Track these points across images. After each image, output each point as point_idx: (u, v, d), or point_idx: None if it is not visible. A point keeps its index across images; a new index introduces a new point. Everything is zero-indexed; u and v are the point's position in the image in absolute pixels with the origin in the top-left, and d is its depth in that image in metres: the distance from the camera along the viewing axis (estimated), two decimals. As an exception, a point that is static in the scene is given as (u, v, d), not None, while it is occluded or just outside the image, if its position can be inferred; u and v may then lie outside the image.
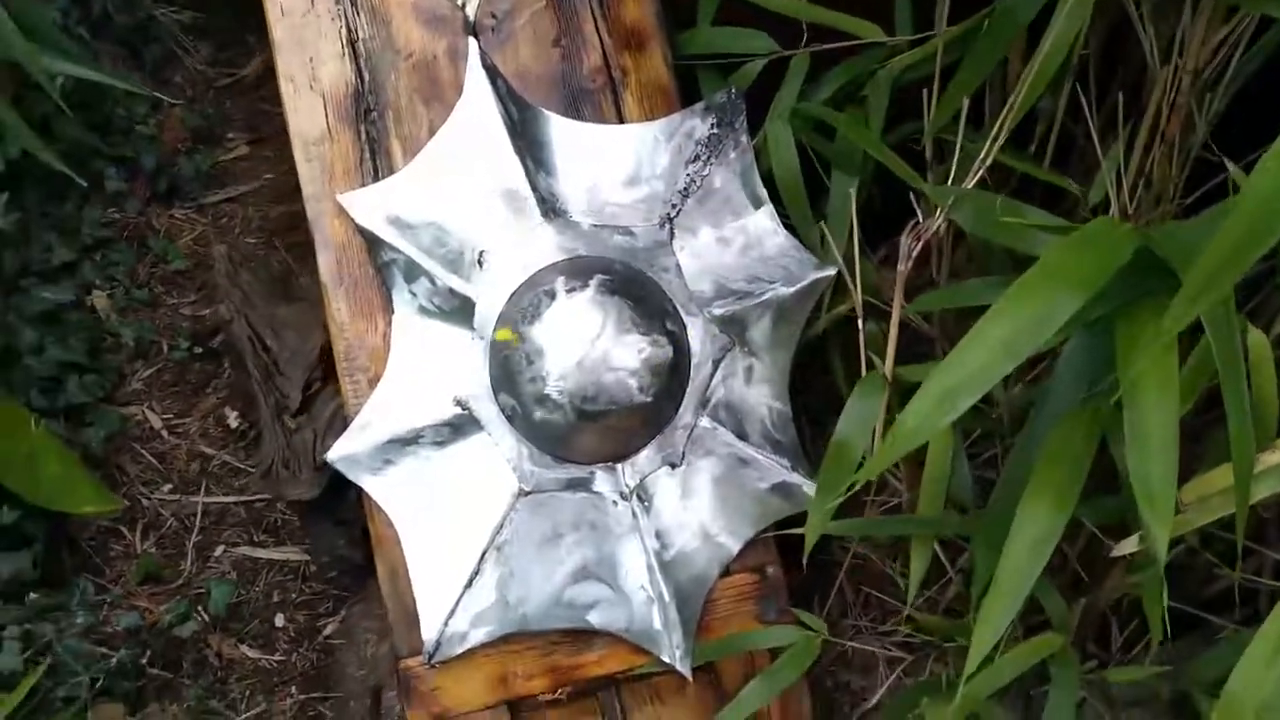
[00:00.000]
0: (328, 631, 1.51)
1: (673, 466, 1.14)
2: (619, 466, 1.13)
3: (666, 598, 1.11)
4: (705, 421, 1.15)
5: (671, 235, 1.16)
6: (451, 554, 1.10)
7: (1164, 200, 1.04)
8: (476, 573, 1.09)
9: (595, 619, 1.11)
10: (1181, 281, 0.70)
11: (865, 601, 1.45)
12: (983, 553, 0.94)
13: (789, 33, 1.20)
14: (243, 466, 1.69)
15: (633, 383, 1.06)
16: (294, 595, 1.55)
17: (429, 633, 1.08)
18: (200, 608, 1.47)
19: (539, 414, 1.08)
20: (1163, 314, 0.76)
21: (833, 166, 1.19)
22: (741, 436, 1.16)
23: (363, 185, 1.15)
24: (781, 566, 1.19)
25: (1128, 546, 0.80)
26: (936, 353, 1.29)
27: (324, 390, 1.49)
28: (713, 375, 1.15)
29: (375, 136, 1.16)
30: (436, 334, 1.13)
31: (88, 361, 1.67)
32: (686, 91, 1.23)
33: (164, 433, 1.73)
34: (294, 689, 1.43)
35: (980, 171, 0.98)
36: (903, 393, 1.04)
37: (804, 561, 1.06)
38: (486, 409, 1.11)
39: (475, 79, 1.14)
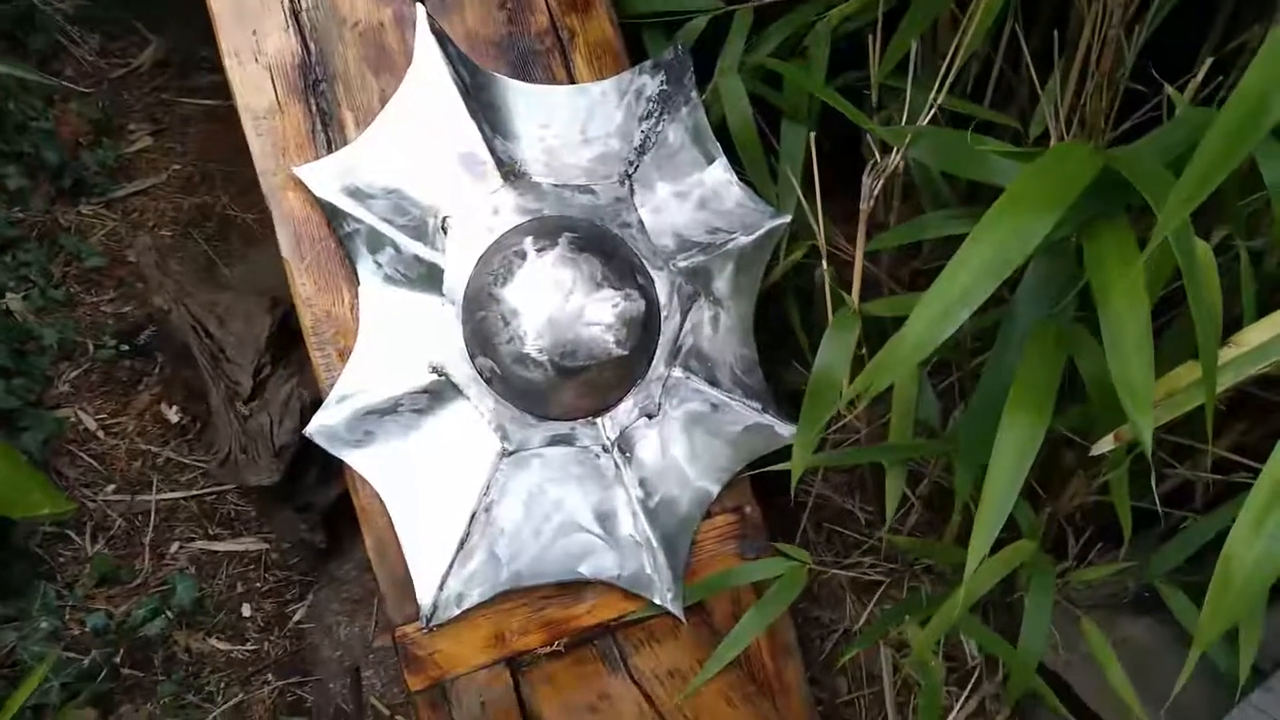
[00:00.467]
0: (297, 617, 1.49)
1: (650, 417, 1.17)
2: (599, 420, 1.15)
3: (655, 543, 1.14)
4: (678, 371, 1.18)
5: (632, 192, 1.18)
6: (440, 519, 1.10)
7: (1096, 131, 1.11)
8: (467, 535, 1.10)
9: (586, 569, 1.13)
10: (1143, 196, 0.77)
11: (828, 539, 1.50)
12: (964, 466, 0.99)
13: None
14: (188, 461, 1.65)
15: (609, 337, 1.08)
16: (258, 584, 1.52)
17: (425, 597, 1.08)
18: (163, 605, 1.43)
19: (519, 373, 1.09)
20: (1124, 230, 0.83)
21: (784, 117, 1.22)
22: (713, 383, 1.19)
23: (316, 158, 1.13)
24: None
25: (1104, 445, 0.86)
26: (884, 293, 1.34)
27: (274, 375, 1.47)
28: (682, 326, 1.18)
29: (325, 108, 1.15)
30: (405, 302, 1.13)
31: (12, 364, 1.60)
32: (632, 51, 1.25)
33: (100, 433, 1.67)
34: (270, 676, 1.41)
35: (932, 110, 1.02)
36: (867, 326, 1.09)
37: (791, 495, 1.10)
38: (463, 373, 1.11)
39: (425, 45, 1.14)
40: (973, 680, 1.30)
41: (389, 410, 1.10)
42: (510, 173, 1.14)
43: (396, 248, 1.11)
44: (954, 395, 1.26)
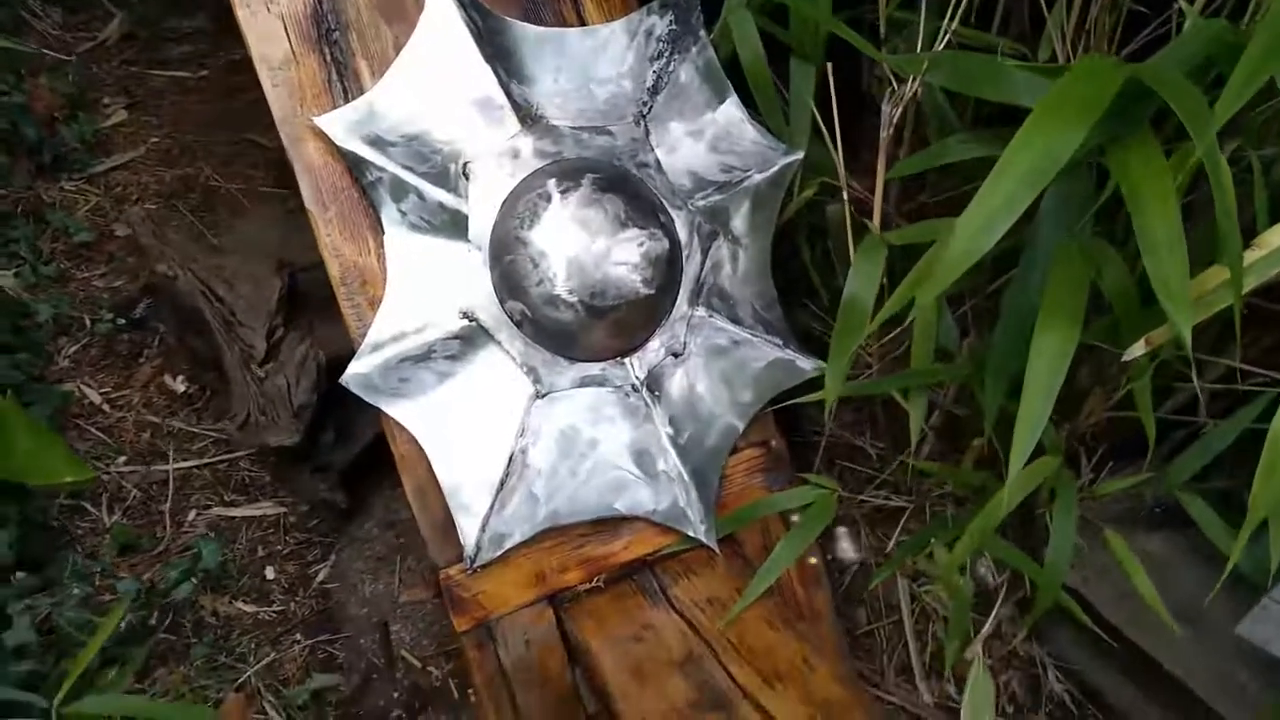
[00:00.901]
0: (320, 577, 1.50)
1: (676, 356, 1.18)
2: (627, 360, 1.16)
3: (686, 478, 1.16)
4: (701, 310, 1.19)
5: (647, 132, 1.19)
6: (478, 462, 1.11)
7: (1102, 52, 1.13)
8: (506, 476, 1.11)
9: (622, 505, 1.15)
10: (1169, 105, 0.79)
11: (840, 476, 1.53)
12: (993, 381, 1.02)
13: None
14: (198, 430, 1.64)
15: (636, 277, 1.10)
16: (279, 547, 1.52)
17: (469, 539, 1.10)
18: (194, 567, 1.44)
19: (550, 315, 1.10)
20: (1149, 139, 0.86)
21: (791, 55, 1.23)
22: (735, 321, 1.21)
23: (334, 107, 1.13)
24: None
25: (1135, 350, 0.89)
26: (892, 225, 1.37)
27: (288, 336, 1.46)
28: (703, 265, 1.19)
29: (340, 58, 1.14)
30: (431, 249, 1.13)
31: (13, 340, 1.59)
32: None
33: (105, 407, 1.66)
34: (299, 635, 1.42)
35: (946, 36, 1.04)
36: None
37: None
38: (493, 317, 1.12)
39: (437, -9, 1.14)
40: (996, 603, 1.34)
41: (422, 357, 1.10)
42: (528, 116, 1.14)
43: (420, 195, 1.11)
44: (968, 324, 1.28)
